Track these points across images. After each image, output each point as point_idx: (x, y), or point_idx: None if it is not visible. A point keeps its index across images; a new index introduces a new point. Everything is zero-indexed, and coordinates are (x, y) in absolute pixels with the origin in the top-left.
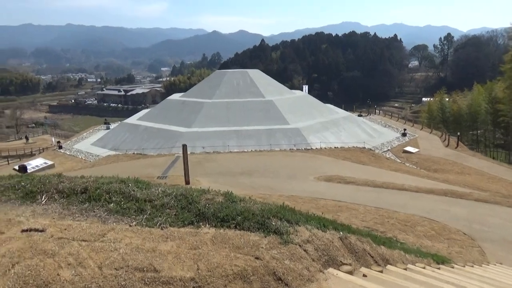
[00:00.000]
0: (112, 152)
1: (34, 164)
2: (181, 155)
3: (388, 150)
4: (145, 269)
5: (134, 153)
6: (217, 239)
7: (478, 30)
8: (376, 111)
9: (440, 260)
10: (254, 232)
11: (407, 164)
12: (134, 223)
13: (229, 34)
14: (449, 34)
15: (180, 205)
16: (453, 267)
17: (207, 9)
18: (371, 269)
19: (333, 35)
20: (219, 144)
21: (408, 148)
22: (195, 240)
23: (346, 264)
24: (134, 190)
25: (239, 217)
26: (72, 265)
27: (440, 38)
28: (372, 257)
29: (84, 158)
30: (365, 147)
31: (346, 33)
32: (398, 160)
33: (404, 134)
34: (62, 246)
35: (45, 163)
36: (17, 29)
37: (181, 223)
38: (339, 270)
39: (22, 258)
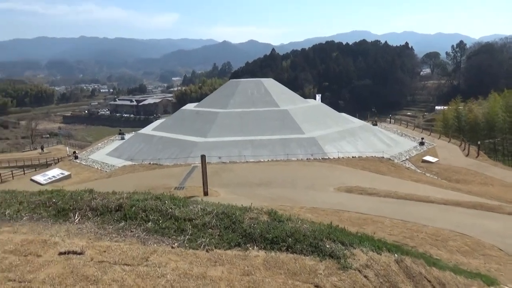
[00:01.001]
0: (128, 162)
1: (51, 174)
2: (198, 165)
3: (407, 159)
4: None
5: (150, 163)
6: (269, 264)
7: (490, 37)
8: (391, 120)
9: (489, 281)
10: (308, 255)
11: (428, 175)
12: (176, 244)
13: (239, 44)
14: (461, 42)
15: (223, 224)
16: None
17: (218, 20)
18: None
19: (344, 44)
20: (235, 154)
21: (427, 158)
22: (246, 265)
23: None
24: (171, 208)
25: (290, 239)
26: None
27: (453, 45)
28: (429, 281)
29: (100, 168)
30: (383, 157)
31: (357, 41)
32: (418, 170)
33: (422, 143)
34: (104, 271)
35: (61, 173)
36: (32, 42)
37: (227, 244)
38: None
39: (64, 285)
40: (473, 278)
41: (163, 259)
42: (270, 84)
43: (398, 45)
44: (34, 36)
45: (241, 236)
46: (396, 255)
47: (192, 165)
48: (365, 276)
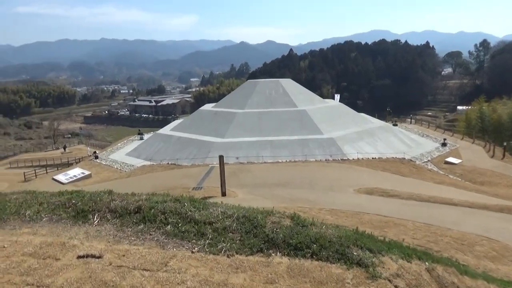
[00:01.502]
0: (147, 162)
1: (72, 174)
2: (215, 165)
3: (428, 161)
4: None
5: (168, 163)
6: (294, 272)
7: None
8: (411, 120)
9: None
10: (334, 263)
11: (451, 176)
12: (196, 249)
13: (257, 45)
14: (485, 40)
15: (244, 229)
16: None
17: (235, 21)
18: None
19: (362, 43)
20: (253, 155)
21: (450, 159)
22: (269, 272)
23: None
24: (191, 211)
25: (315, 245)
26: None
27: (476, 44)
28: None
29: (119, 168)
30: (405, 158)
31: (376, 41)
32: (441, 172)
33: (444, 144)
34: (123, 276)
35: (82, 173)
36: (54, 45)
37: (249, 250)
38: None
39: None
40: (506, 287)
41: (183, 265)
42: (288, 84)
43: (419, 44)
44: (56, 39)
45: (263, 241)
46: (427, 263)
47: (210, 165)
48: (395, 286)
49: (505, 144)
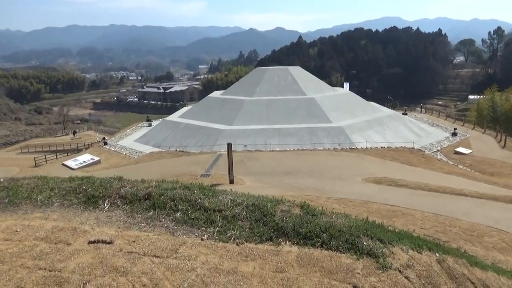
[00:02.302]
0: (155, 149)
1: (82, 159)
2: (223, 152)
3: (438, 150)
4: None
5: (176, 150)
6: (303, 261)
7: None
8: (422, 109)
9: None
10: (344, 253)
11: (460, 167)
12: (205, 236)
13: (266, 32)
14: (499, 28)
15: (253, 217)
16: None
17: (244, 7)
18: None
19: (373, 31)
20: (261, 142)
21: (460, 149)
22: (279, 261)
23: None
24: (200, 198)
25: (324, 235)
26: (148, 286)
27: (489, 32)
28: (473, 283)
29: (128, 155)
30: (414, 147)
31: (387, 28)
32: (450, 162)
33: (454, 134)
34: (133, 262)
35: (91, 159)
36: (64, 30)
37: (258, 238)
38: None
39: (93, 275)
40: None
41: (192, 252)
42: (297, 72)
43: (431, 32)
44: (65, 25)
45: (273, 230)
46: (437, 254)
47: (218, 153)
48: (406, 277)
49: None
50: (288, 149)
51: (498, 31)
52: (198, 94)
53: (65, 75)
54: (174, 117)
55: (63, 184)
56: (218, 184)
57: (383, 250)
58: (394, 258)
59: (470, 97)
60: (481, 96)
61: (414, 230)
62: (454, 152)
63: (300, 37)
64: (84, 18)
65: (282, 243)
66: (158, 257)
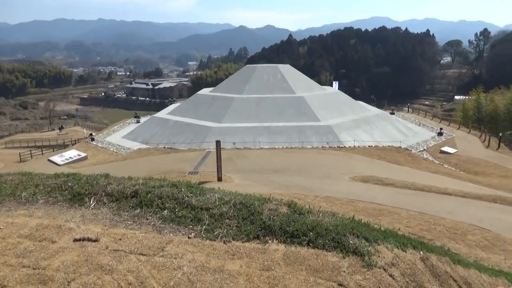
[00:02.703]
0: (143, 146)
1: (68, 155)
2: (212, 150)
3: (424, 150)
4: None
5: (164, 147)
6: (290, 259)
7: None
8: (409, 109)
9: None
10: (330, 251)
11: (446, 166)
12: (192, 234)
13: (256, 29)
14: (485, 29)
15: (241, 215)
16: None
17: (235, 4)
18: None
19: (363, 30)
20: (249, 140)
21: (446, 149)
22: (266, 259)
23: None
24: (188, 196)
25: (311, 233)
26: (133, 285)
27: (476, 33)
28: (455, 281)
29: (115, 151)
30: (401, 147)
31: (376, 28)
32: (436, 161)
33: (440, 134)
34: (119, 260)
35: (78, 155)
36: (51, 24)
37: (245, 237)
38: None
39: (78, 273)
40: (497, 276)
41: (179, 250)
42: (287, 70)
43: (419, 32)
44: (53, 18)
45: (260, 228)
46: (421, 252)
47: (207, 150)
48: (390, 275)
49: (500, 134)
50: (277, 147)
51: (485, 32)
52: (187, 91)
53: (52, 69)
54: (163, 113)
55: (48, 180)
56: (206, 182)
57: (369, 249)
58: (379, 256)
59: (456, 97)
60: (467, 97)
61: (399, 229)
62: (440, 152)
63: (290, 35)
64: (72, 12)
65: (269, 241)
66: (144, 255)
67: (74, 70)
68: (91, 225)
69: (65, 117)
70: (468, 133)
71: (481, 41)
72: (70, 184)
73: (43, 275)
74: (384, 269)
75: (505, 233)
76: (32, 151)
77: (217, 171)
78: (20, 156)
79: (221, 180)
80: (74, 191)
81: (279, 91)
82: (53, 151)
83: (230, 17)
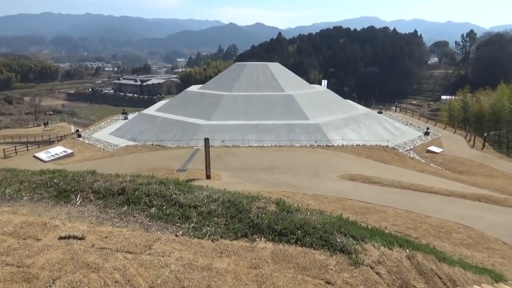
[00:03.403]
0: (131, 143)
1: (54, 152)
2: (200, 147)
3: (411, 149)
4: None
5: (152, 144)
6: (278, 257)
7: (502, 27)
8: (396, 108)
9: (497, 277)
10: (318, 249)
11: (432, 165)
12: (180, 232)
13: (246, 27)
14: (471, 31)
15: (229, 213)
16: None
17: (225, 1)
18: None
19: (351, 30)
20: (238, 138)
21: (432, 148)
22: (254, 257)
23: None
24: (176, 194)
25: (299, 231)
26: (120, 283)
27: (462, 34)
28: (440, 278)
29: (102, 148)
30: (388, 146)
31: (365, 27)
32: (423, 160)
33: (427, 133)
34: (106, 258)
35: (64, 151)
36: (37, 17)
37: (233, 235)
38: None
39: (63, 272)
40: (481, 274)
41: (166, 248)
42: (276, 68)
43: (407, 32)
44: (39, 12)
45: (248, 226)
46: (407, 250)
47: (195, 147)
48: (377, 273)
49: (485, 134)
50: (265, 145)
51: (471, 34)
52: (176, 88)
53: (38, 64)
54: (151, 110)
55: (33, 177)
56: (194, 179)
57: (356, 247)
58: (366, 254)
59: (443, 97)
60: (453, 97)
61: (386, 227)
62: (426, 151)
63: (279, 33)
64: (59, 6)
65: (257, 239)
66: (131, 253)
67: (61, 65)
68: (77, 222)
69: (51, 112)
70: (454, 133)
71: (467, 42)
72: (56, 180)
73: (27, 273)
74: (371, 267)
75: (488, 231)
76: (17, 147)
77: (206, 168)
78: (4, 152)
79: (210, 178)
80: (60, 188)
81: (268, 89)
82: (39, 147)
83: (220, 14)
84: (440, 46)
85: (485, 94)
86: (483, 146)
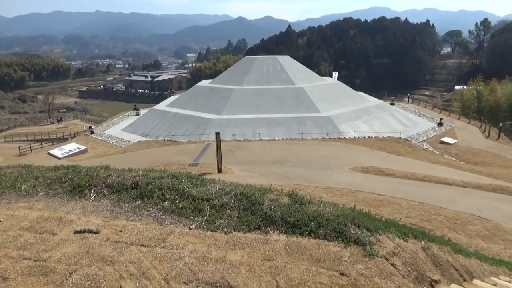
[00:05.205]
0: (143, 138)
1: (68, 148)
2: (212, 142)
3: (424, 140)
4: (218, 284)
5: (164, 140)
6: (291, 249)
7: None
8: (409, 99)
9: None
10: (331, 241)
11: (446, 156)
12: (193, 225)
13: (255, 20)
14: (486, 19)
15: (242, 206)
16: None
17: None
18: (463, 286)
19: (362, 21)
20: (249, 132)
21: (446, 139)
22: (267, 249)
23: (435, 280)
24: (188, 187)
25: (312, 223)
26: (135, 275)
27: (476, 23)
28: (457, 269)
29: (115, 144)
30: (401, 137)
31: (375, 18)
32: (436, 152)
33: (440, 124)
34: (121, 251)
35: (78, 148)
36: (48, 16)
37: (246, 227)
38: None
39: (79, 265)
40: (498, 265)
41: (180, 241)
42: (286, 61)
43: (419, 22)
44: (50, 11)
45: (261, 219)
46: (422, 242)
47: (206, 142)
48: (392, 264)
49: (500, 124)
50: (276, 138)
51: (485, 22)
52: (186, 83)
53: (50, 63)
54: (162, 106)
55: (48, 173)
56: (206, 173)
57: (370, 238)
58: (380, 246)
59: (456, 87)
60: (465, 87)
61: (400, 219)
62: (440, 142)
63: (289, 26)
64: (68, 4)
65: (270, 231)
66: (145, 246)
67: (72, 63)
68: (92, 217)
69: (64, 110)
70: (468, 123)
71: (481, 31)
72: (70, 176)
73: (44, 267)
74: (386, 259)
75: (505, 223)
76: (31, 145)
77: (217, 162)
78: (19, 149)
79: (222, 172)
80: (74, 183)
81: (279, 83)
82: (53, 144)
83: (229, 8)
84: (453, 36)
85: (501, 84)
86: (499, 136)
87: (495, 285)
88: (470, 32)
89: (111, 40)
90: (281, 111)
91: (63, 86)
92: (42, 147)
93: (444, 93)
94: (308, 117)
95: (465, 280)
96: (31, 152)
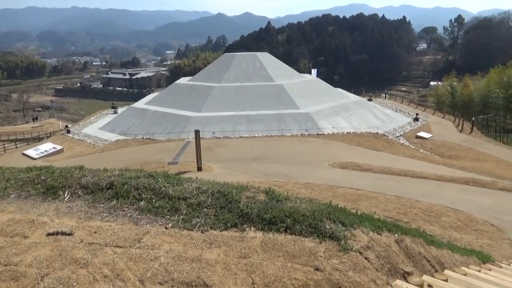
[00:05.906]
0: (121, 137)
1: (43, 148)
2: (191, 140)
3: (401, 135)
4: (193, 283)
5: (143, 138)
6: (267, 246)
7: (489, 11)
8: (386, 95)
9: (484, 258)
10: (307, 237)
11: (421, 150)
12: (170, 224)
13: (234, 17)
14: (459, 16)
15: (218, 204)
16: (501, 267)
17: None
18: (434, 277)
19: (340, 17)
20: (229, 129)
21: (421, 134)
22: (243, 247)
23: (408, 272)
24: (165, 186)
25: (288, 220)
26: (109, 277)
27: (451, 20)
28: (429, 261)
29: (92, 143)
30: (378, 133)
31: (354, 15)
32: (412, 146)
33: (416, 119)
34: (94, 253)
35: (54, 147)
36: (22, 12)
37: (223, 225)
38: (408, 282)
39: (52, 268)
40: (469, 255)
41: (156, 241)
42: (266, 58)
43: (396, 19)
44: (23, 6)
45: (237, 216)
46: (396, 235)
47: (186, 140)
48: (366, 258)
49: (473, 119)
50: (256, 135)
51: (459, 19)
52: (165, 81)
53: (24, 60)
54: (141, 104)
55: (20, 174)
56: (186, 172)
57: (345, 233)
58: (355, 240)
59: (432, 83)
60: (439, 83)
61: (375, 212)
62: (416, 137)
63: (268, 22)
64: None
65: (247, 229)
66: (120, 247)
67: (48, 61)
68: (66, 218)
69: (40, 109)
70: (443, 118)
71: (455, 27)
72: (43, 177)
73: (15, 271)
74: (360, 253)
75: (477, 213)
76: (5, 145)
77: (197, 160)
78: None
79: (201, 170)
80: (48, 184)
81: (258, 79)
82: (28, 144)
83: (208, 5)
84: (429, 32)
85: (473, 79)
86: (471, 130)
87: (465, 274)
88: (444, 28)
89: (88, 36)
90: (261, 108)
91: (38, 84)
92: (16, 147)
93: (420, 89)
94: (287, 114)
95: (436, 271)
96: (5, 152)
